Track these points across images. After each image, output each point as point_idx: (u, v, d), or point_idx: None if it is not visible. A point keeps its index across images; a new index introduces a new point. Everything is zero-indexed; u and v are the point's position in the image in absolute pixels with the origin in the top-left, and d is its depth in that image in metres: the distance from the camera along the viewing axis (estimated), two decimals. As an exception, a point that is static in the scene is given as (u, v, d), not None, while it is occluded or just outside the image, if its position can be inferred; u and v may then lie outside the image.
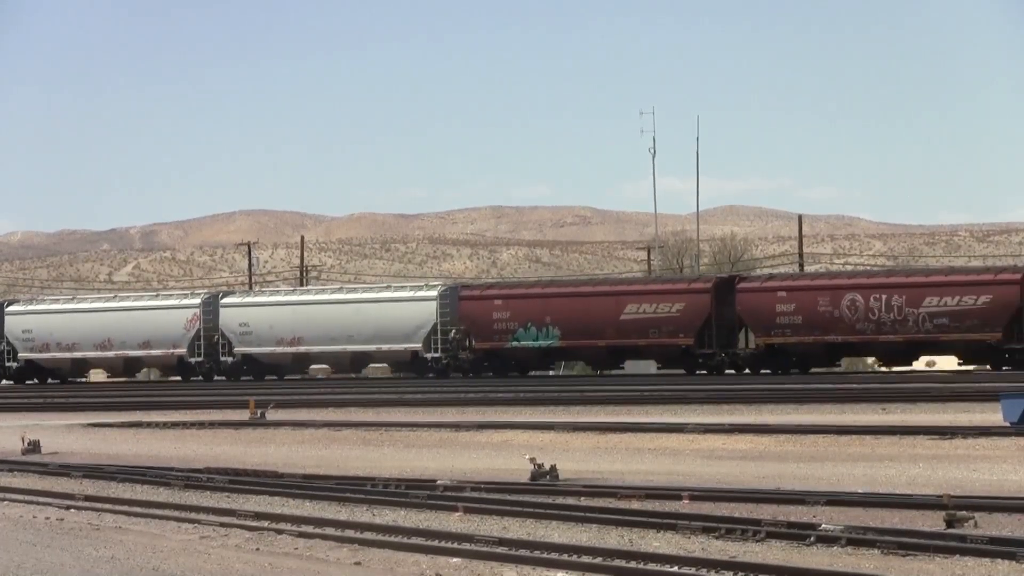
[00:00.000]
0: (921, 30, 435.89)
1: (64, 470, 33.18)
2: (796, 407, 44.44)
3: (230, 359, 74.34)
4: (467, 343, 70.43)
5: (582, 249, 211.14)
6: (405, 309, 71.34)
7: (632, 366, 72.26)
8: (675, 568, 18.24)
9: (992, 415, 36.96)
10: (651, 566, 18.41)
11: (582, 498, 25.84)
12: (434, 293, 71.76)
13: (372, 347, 71.86)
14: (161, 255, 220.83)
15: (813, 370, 66.13)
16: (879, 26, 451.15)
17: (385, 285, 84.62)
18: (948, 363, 67.62)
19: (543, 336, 69.12)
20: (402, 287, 77.85)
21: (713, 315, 65.67)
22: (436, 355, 70.36)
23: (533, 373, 71.73)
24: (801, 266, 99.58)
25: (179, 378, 76.08)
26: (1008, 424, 34.81)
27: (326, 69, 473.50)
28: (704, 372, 66.39)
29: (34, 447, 38.56)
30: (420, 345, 70.62)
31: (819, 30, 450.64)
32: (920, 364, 68.60)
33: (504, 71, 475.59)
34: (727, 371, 66.13)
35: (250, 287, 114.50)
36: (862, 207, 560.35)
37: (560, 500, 25.51)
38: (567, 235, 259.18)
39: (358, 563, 19.88)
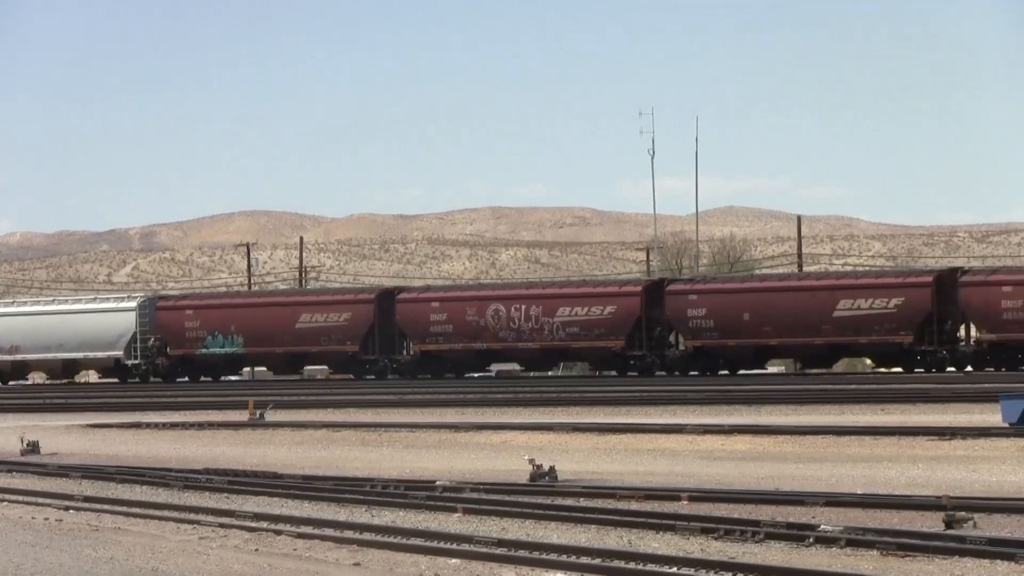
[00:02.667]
0: (921, 30, 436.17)
1: (63, 471, 33.18)
2: (795, 408, 44.47)
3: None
4: (165, 350, 75.80)
5: (581, 250, 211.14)
6: (108, 319, 76.99)
7: (309, 371, 79.34)
8: (674, 569, 18.24)
9: (991, 416, 36.98)
10: (650, 567, 18.41)
11: (581, 499, 25.84)
12: (133, 304, 77.47)
13: (80, 355, 77.53)
14: (160, 256, 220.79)
15: (466, 375, 71.20)
16: (879, 26, 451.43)
17: (92, 297, 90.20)
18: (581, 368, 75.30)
19: (228, 343, 74.63)
20: (106, 298, 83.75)
21: (376, 323, 71.12)
22: (136, 361, 76.10)
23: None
24: (800, 267, 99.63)
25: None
26: (1007, 425, 34.83)
27: (325, 69, 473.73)
28: (370, 376, 71.46)
29: (33, 448, 38.54)
30: (122, 352, 76.17)
31: (819, 30, 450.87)
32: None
33: (503, 71, 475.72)
34: (391, 375, 71.21)
35: (249, 287, 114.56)
36: (861, 207, 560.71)
37: (559, 501, 25.51)
38: (566, 236, 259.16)
39: (357, 564, 19.88)
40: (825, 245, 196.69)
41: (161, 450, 39.41)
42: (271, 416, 46.21)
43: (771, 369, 76.17)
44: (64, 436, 43.60)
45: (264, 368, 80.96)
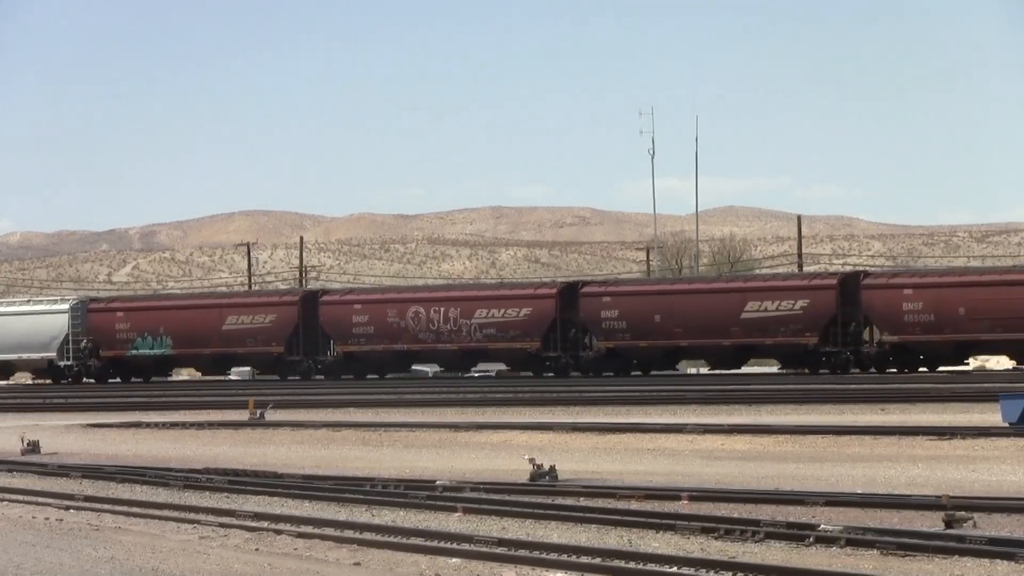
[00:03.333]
0: (921, 30, 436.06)
1: (63, 470, 33.17)
2: (795, 407, 44.47)
3: None
4: (97, 352, 77.07)
5: (581, 249, 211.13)
6: (41, 321, 78.37)
7: (235, 371, 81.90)
8: (674, 568, 18.24)
9: (991, 415, 36.98)
10: (650, 566, 18.41)
11: (581, 498, 25.84)
12: (66, 306, 78.62)
13: (14, 356, 78.99)
14: (160, 255, 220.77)
15: (388, 375, 73.21)
16: (879, 26, 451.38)
17: (27, 299, 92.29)
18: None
19: (158, 345, 76.07)
20: (39, 301, 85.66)
21: (300, 325, 72.45)
22: (69, 363, 77.30)
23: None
24: (800, 266, 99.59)
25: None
26: (1007, 424, 34.83)
27: (325, 69, 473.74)
28: (295, 377, 73.26)
29: (33, 447, 38.54)
30: (55, 354, 77.48)
31: (819, 30, 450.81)
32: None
33: (504, 71, 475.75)
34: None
35: (249, 287, 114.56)
36: (861, 207, 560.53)
37: (559, 500, 25.51)
38: (566, 235, 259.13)
39: (357, 563, 19.89)
40: (825, 245, 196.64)
41: (161, 450, 39.41)
42: (271, 416, 46.20)
43: (690, 369, 78.29)
44: (64, 436, 43.61)
45: (193, 369, 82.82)
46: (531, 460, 28.76)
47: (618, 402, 48.19)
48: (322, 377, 72.50)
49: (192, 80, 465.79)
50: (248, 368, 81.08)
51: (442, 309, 70.61)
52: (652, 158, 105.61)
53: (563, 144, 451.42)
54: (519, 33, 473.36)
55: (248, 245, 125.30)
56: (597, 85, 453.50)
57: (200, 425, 45.11)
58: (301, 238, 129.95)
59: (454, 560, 19.67)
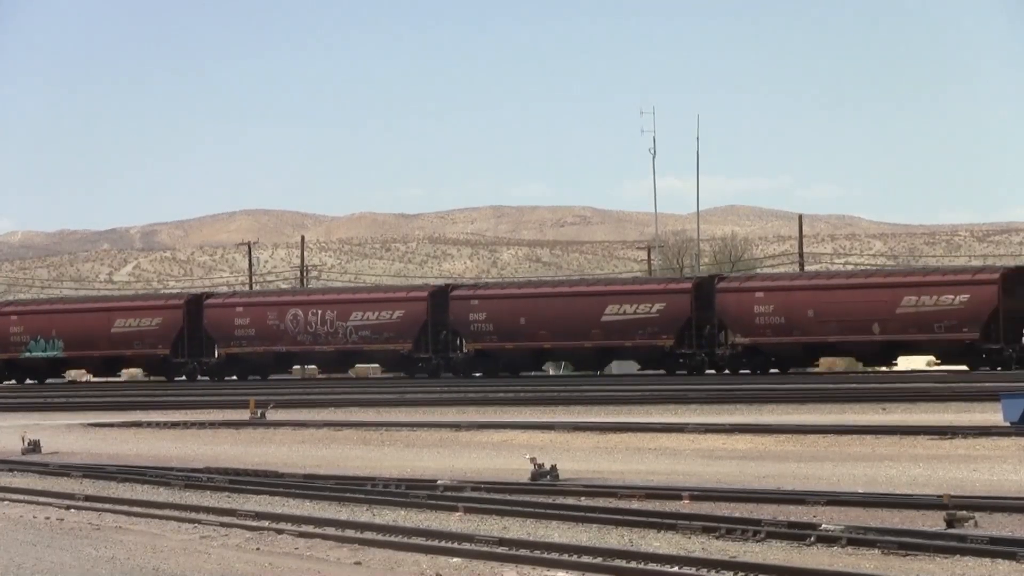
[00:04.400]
0: (921, 30, 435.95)
1: (64, 470, 33.17)
2: (796, 407, 44.44)
3: None
4: None
5: (582, 249, 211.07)
6: None
7: (125, 373, 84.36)
8: (675, 568, 18.23)
9: (992, 415, 36.96)
10: (651, 566, 18.40)
11: (582, 498, 25.83)
12: None
13: None
14: (161, 255, 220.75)
15: (271, 377, 75.44)
16: (879, 25, 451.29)
17: None
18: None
19: (50, 347, 77.59)
20: None
21: (185, 329, 74.80)
22: None
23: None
24: (801, 266, 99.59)
25: None
26: (1008, 424, 34.80)
27: (326, 69, 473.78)
28: (180, 378, 75.39)
29: (34, 447, 38.54)
30: None
31: (819, 29, 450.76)
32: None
33: (504, 70, 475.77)
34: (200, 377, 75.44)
35: (250, 287, 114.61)
36: (862, 206, 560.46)
37: (560, 500, 25.50)
38: (567, 235, 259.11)
39: (358, 563, 19.88)
40: (826, 244, 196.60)
41: (162, 449, 39.40)
42: (272, 415, 46.19)
43: (551, 371, 79.88)
44: (65, 435, 43.60)
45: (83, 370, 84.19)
46: (532, 459, 28.76)
47: (619, 402, 48.17)
48: (207, 378, 74.82)
49: (193, 80, 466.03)
50: (138, 370, 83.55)
51: (319, 312, 72.98)
52: (653, 157, 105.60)
53: (564, 143, 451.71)
54: (520, 33, 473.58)
55: (249, 244, 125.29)
56: (598, 84, 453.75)
57: (201, 424, 45.10)
58: (302, 237, 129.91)
59: (455, 560, 19.66)
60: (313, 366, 79.30)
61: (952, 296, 62.19)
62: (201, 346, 74.95)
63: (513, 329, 68.56)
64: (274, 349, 73.55)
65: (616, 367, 74.71)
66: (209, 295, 79.75)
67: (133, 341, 75.61)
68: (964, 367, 62.27)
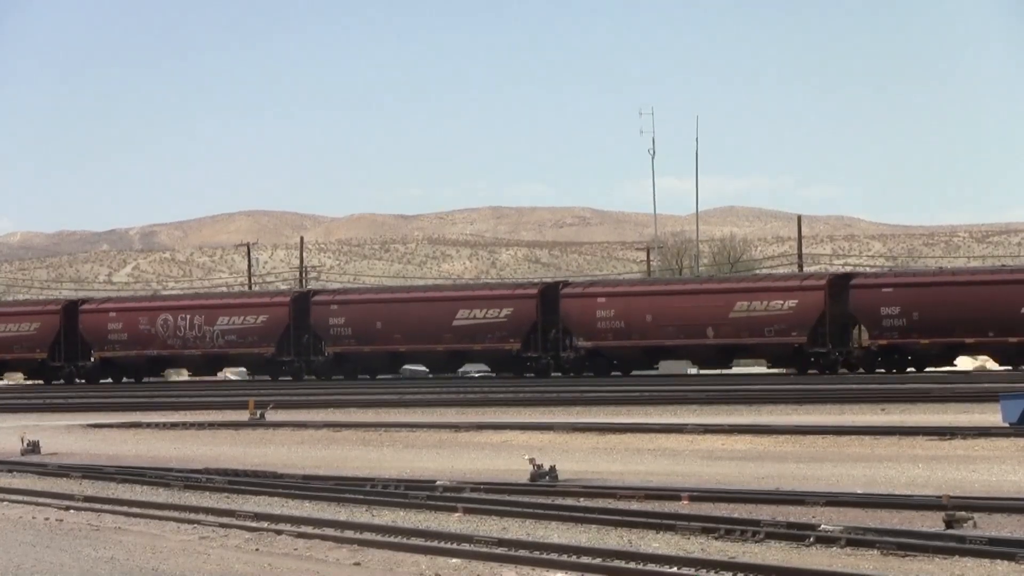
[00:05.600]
0: (921, 30, 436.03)
1: (63, 471, 33.16)
2: (795, 408, 44.46)
3: None
4: None
5: (581, 249, 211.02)
6: None
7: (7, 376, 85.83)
8: (674, 569, 18.24)
9: (991, 415, 36.97)
10: (650, 567, 18.41)
11: (581, 499, 25.83)
12: None
13: None
14: (161, 256, 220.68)
15: (144, 379, 78.81)
16: (879, 26, 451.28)
17: None
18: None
19: None
20: None
21: (61, 333, 77.25)
22: None
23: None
24: (800, 266, 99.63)
25: None
26: (1007, 424, 34.82)
27: (326, 69, 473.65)
28: (59, 381, 77.79)
29: (33, 447, 38.52)
30: None
31: (819, 30, 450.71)
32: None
33: (503, 71, 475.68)
34: (77, 380, 77.71)
35: (249, 287, 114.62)
36: (862, 207, 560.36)
37: (559, 501, 25.50)
38: (566, 235, 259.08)
39: (357, 563, 19.88)
40: (825, 245, 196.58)
41: (161, 450, 39.41)
42: (271, 416, 46.18)
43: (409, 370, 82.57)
44: (64, 436, 43.60)
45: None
46: (531, 460, 28.76)
47: (618, 402, 48.18)
48: (83, 381, 77.01)
49: (193, 80, 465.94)
50: (19, 374, 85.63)
51: (188, 317, 75.85)
52: (652, 158, 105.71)
53: (563, 144, 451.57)
54: (519, 33, 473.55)
55: (248, 245, 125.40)
56: (597, 85, 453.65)
57: (200, 425, 45.10)
58: (301, 238, 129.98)
59: (454, 560, 19.66)
60: (184, 369, 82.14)
61: (781, 301, 65.06)
62: (77, 350, 77.80)
63: (370, 333, 71.65)
64: (146, 353, 76.47)
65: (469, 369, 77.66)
66: (84, 300, 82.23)
67: (12, 345, 78.48)
68: (793, 370, 65.32)
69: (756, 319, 65.20)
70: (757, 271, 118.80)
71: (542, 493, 26.63)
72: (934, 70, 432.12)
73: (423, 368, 76.01)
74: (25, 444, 38.62)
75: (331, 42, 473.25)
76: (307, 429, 42.34)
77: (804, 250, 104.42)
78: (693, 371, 73.83)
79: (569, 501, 25.51)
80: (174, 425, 45.46)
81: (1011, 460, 30.06)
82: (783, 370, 67.44)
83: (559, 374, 68.48)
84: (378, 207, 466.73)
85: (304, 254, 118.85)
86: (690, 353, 69.21)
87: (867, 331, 64.58)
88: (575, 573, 18.58)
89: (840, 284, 65.79)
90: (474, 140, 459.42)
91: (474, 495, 26.22)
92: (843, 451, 32.80)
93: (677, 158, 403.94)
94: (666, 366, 73.03)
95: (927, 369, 64.26)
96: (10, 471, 33.91)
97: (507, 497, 25.84)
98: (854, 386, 53.25)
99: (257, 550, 21.30)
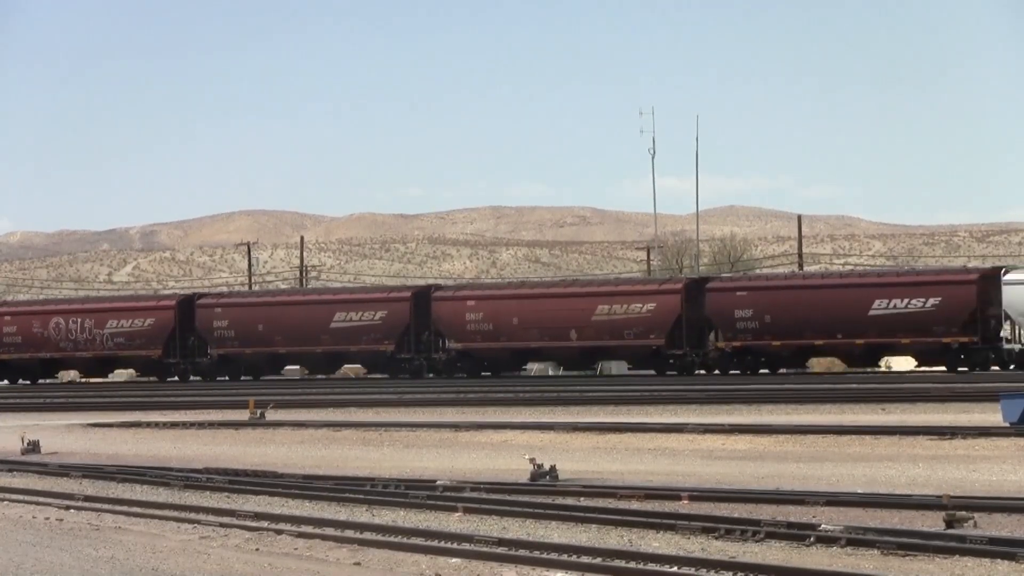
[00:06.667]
0: (921, 30, 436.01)
1: (64, 470, 33.16)
2: (796, 407, 44.43)
3: None
4: None
5: (582, 249, 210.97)
6: None
7: None
8: (675, 568, 18.23)
9: (992, 415, 36.96)
10: (651, 566, 18.40)
11: (582, 498, 25.82)
12: None
13: None
14: (161, 255, 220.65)
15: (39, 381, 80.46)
16: (879, 26, 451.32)
17: None
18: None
19: None
20: None
21: None
22: None
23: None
24: (800, 266, 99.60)
25: None
26: (1008, 424, 34.81)
27: (326, 69, 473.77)
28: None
29: (34, 447, 38.52)
30: None
31: (819, 30, 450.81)
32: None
33: (503, 71, 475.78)
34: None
35: (249, 287, 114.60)
36: (862, 207, 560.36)
37: (560, 500, 25.49)
38: (567, 235, 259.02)
39: (358, 563, 19.87)
40: (825, 245, 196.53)
41: (161, 449, 39.40)
42: (272, 415, 46.17)
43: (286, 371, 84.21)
44: (65, 435, 43.59)
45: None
46: (531, 460, 28.76)
47: (618, 402, 48.16)
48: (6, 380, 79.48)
49: (193, 80, 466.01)
50: None
51: (79, 320, 78.08)
52: (652, 158, 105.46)
53: (563, 144, 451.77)
54: (520, 33, 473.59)
55: (248, 245, 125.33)
56: (597, 85, 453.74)
57: (200, 425, 45.09)
58: (302, 238, 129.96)
59: (454, 560, 19.66)
60: (74, 371, 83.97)
61: (640, 305, 67.30)
62: None
63: (252, 335, 74.28)
64: (39, 355, 78.81)
65: (346, 370, 79.92)
66: None
67: None
68: (653, 371, 67.64)
69: (617, 322, 67.57)
70: (756, 271, 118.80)
71: (542, 493, 26.62)
72: (934, 70, 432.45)
73: (297, 367, 78.96)
74: (25, 443, 38.63)
75: (331, 42, 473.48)
76: (307, 428, 42.33)
77: (804, 250, 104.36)
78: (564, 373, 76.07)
79: (569, 501, 25.50)
80: (174, 424, 45.44)
81: (1011, 460, 30.05)
82: (646, 372, 69.58)
83: (433, 375, 70.71)
84: (378, 207, 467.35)
85: (304, 253, 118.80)
86: (555, 355, 71.86)
87: (722, 333, 66.49)
88: (575, 573, 18.57)
89: (696, 288, 68.02)
90: (474, 140, 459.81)
91: (474, 495, 26.22)
92: (843, 451, 32.79)
93: (677, 158, 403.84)
94: (535, 368, 76.10)
95: (780, 371, 66.84)
96: (10, 471, 33.91)
97: (507, 497, 25.83)
98: (854, 386, 53.23)
99: (257, 550, 21.29)
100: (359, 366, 78.50)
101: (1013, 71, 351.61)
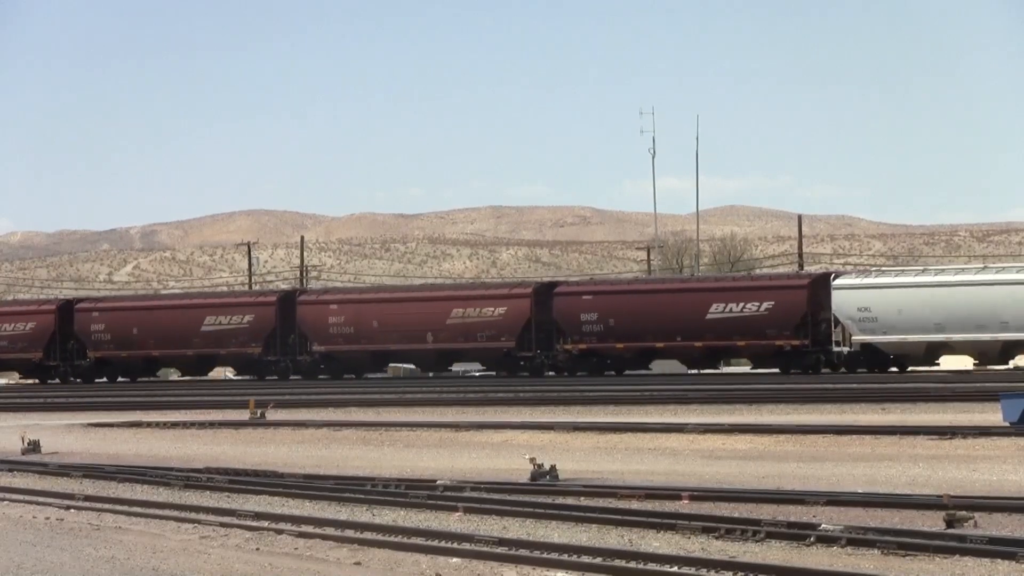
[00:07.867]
0: (921, 30, 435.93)
1: (64, 470, 33.17)
2: (796, 407, 44.42)
3: None
4: None
5: (582, 249, 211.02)
6: None
7: None
8: (675, 568, 18.24)
9: (992, 415, 36.95)
10: (651, 566, 18.41)
11: (582, 498, 25.83)
12: None
13: None
14: (161, 255, 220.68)
15: None
16: (879, 26, 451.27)
17: None
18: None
19: None
20: None
21: None
22: None
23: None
24: (801, 265, 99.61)
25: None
26: (1008, 424, 34.80)
27: (326, 69, 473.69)
28: None
29: (34, 447, 38.53)
30: None
31: (819, 30, 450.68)
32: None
33: (504, 70, 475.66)
34: None
35: (250, 287, 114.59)
36: (862, 206, 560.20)
37: (560, 500, 25.50)
38: (567, 235, 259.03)
39: (358, 563, 19.88)
40: (826, 244, 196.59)
41: (162, 449, 39.41)
42: (272, 415, 46.18)
43: (226, 373, 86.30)
44: (65, 435, 43.60)
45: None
46: (532, 460, 28.76)
47: (619, 402, 48.16)
48: None
49: (193, 80, 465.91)
50: None
51: None
52: (653, 157, 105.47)
53: (563, 143, 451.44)
54: (520, 33, 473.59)
55: (249, 244, 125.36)
56: (598, 84, 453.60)
57: (201, 424, 45.10)
58: (302, 237, 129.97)
59: (455, 560, 19.67)
60: None
61: (492, 309, 69.76)
62: None
63: (127, 339, 76.50)
64: None
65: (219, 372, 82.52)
66: None
67: None
68: (504, 373, 69.84)
69: (470, 325, 69.93)
70: (756, 271, 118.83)
71: (542, 492, 26.63)
72: (934, 70, 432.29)
73: (173, 369, 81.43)
74: (25, 443, 38.64)
75: (331, 42, 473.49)
76: (307, 428, 42.34)
77: (805, 249, 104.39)
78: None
79: (569, 500, 25.50)
80: (174, 424, 45.45)
81: (1012, 460, 30.05)
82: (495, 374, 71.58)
83: (299, 376, 73.03)
84: (378, 206, 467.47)
85: (304, 253, 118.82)
86: (412, 357, 74.44)
87: (569, 337, 68.39)
88: (575, 572, 18.57)
89: (546, 293, 70.20)
90: (474, 140, 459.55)
91: (474, 494, 26.22)
92: (844, 450, 32.79)
93: (677, 158, 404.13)
94: (395, 369, 78.94)
95: (625, 372, 68.90)
96: (11, 470, 33.92)
97: (507, 496, 25.84)
98: (854, 386, 53.24)
99: (258, 550, 21.30)
100: (230, 368, 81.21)
101: (1013, 71, 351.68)
